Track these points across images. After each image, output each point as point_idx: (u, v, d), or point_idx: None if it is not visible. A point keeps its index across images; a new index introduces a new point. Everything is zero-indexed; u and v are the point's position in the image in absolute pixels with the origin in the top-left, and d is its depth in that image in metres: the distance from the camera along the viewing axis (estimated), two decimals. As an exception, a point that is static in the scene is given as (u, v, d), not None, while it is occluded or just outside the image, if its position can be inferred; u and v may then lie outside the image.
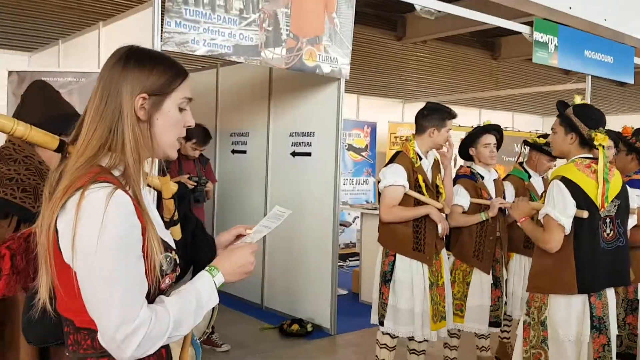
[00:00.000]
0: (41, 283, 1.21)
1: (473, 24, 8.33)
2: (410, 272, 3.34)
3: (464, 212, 3.67)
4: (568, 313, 2.58)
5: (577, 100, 2.75)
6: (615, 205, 2.62)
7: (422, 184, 3.36)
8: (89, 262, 1.11)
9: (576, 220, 2.53)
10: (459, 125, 8.63)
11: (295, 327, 4.87)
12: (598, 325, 2.56)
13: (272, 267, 5.58)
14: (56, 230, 1.15)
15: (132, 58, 1.25)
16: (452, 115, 3.44)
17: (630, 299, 3.02)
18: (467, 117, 9.14)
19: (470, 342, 4.23)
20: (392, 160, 3.45)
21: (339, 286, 6.36)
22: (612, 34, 7.18)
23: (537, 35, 6.18)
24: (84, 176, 1.15)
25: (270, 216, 1.52)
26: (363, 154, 8.02)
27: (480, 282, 3.67)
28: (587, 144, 2.60)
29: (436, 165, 3.55)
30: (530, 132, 8.71)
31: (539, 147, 3.95)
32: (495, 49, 12.33)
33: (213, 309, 3.24)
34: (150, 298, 1.19)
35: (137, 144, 1.22)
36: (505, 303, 3.85)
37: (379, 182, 3.42)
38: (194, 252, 1.54)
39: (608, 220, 2.60)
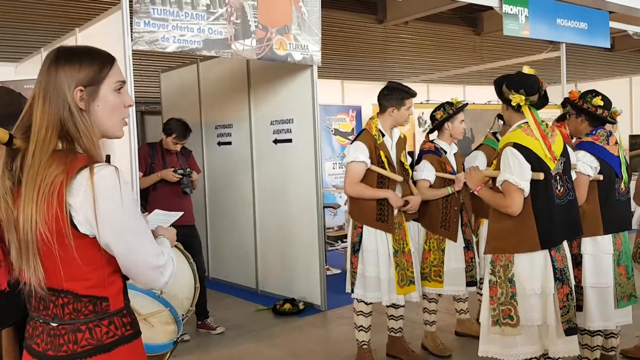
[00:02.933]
0: (30, 266, 1.32)
1: (449, 2, 8.47)
2: (375, 241, 3.55)
3: (430, 186, 3.86)
4: (532, 268, 2.73)
5: (526, 70, 2.90)
6: (561, 163, 2.79)
7: (385, 160, 3.55)
8: (119, 222, 1.32)
9: (531, 181, 2.69)
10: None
11: (287, 306, 5.08)
12: (560, 276, 2.72)
13: (265, 251, 5.78)
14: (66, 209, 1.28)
15: (61, 58, 1.38)
16: (412, 94, 3.62)
17: (574, 254, 3.18)
18: (452, 94, 9.26)
19: (450, 307, 4.44)
20: (357, 137, 3.64)
21: (333, 266, 6.62)
22: (591, 1, 7.30)
23: (507, 8, 6.32)
24: (74, 161, 1.31)
25: (154, 219, 1.71)
26: (350, 137, 8.18)
27: (453, 246, 3.86)
28: (518, 107, 2.78)
29: (400, 143, 3.73)
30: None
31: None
32: (478, 25, 12.43)
33: (195, 290, 3.37)
34: None
35: (88, 131, 1.37)
36: (479, 264, 4.04)
37: (344, 158, 3.62)
38: None
39: (558, 177, 2.76)
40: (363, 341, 3.73)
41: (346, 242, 7.47)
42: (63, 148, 1.35)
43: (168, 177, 4.47)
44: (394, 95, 3.60)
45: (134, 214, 1.37)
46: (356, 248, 3.60)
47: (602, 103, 3.23)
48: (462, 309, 4.26)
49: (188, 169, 4.60)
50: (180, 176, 4.50)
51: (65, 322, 1.36)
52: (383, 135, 3.60)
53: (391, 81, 3.79)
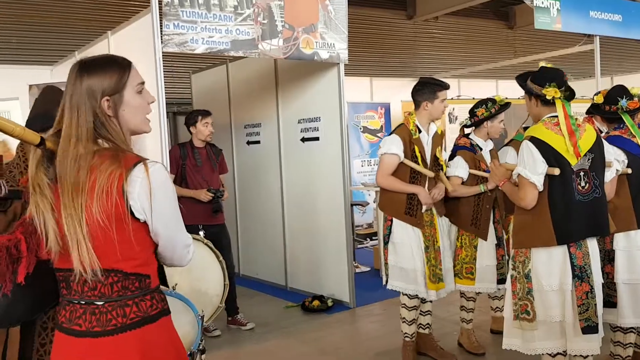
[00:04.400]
0: (83, 250, 1.44)
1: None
2: (406, 234, 3.58)
3: (462, 183, 3.83)
4: (549, 264, 2.71)
5: (544, 65, 2.88)
6: (588, 159, 2.73)
7: (418, 155, 3.57)
8: (168, 211, 1.53)
9: (548, 176, 2.66)
10: (473, 98, 8.68)
11: (316, 303, 5.12)
12: (580, 274, 2.68)
13: (294, 248, 5.84)
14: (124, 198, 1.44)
15: (84, 71, 1.50)
16: (444, 87, 3.62)
17: (607, 249, 3.12)
18: (484, 89, 9.16)
19: (485, 305, 4.41)
20: (394, 131, 3.69)
21: (362, 264, 6.64)
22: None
23: (538, 1, 6.21)
24: (127, 157, 1.47)
25: None
26: (379, 134, 8.17)
27: (485, 244, 3.84)
28: (548, 102, 2.73)
29: (437, 138, 3.74)
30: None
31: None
32: (510, 18, 12.23)
33: (224, 287, 3.44)
34: None
35: (119, 135, 1.52)
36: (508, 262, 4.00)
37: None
38: None
39: (582, 173, 2.70)
40: (406, 333, 3.74)
41: (375, 239, 7.56)
42: (109, 147, 1.50)
43: (200, 196, 4.50)
44: (427, 89, 3.61)
45: (176, 203, 1.57)
46: (386, 240, 3.65)
47: (602, 100, 3.20)
48: (497, 307, 4.22)
49: (220, 190, 4.60)
50: (212, 195, 4.52)
51: (113, 300, 1.50)
52: (420, 131, 3.62)
53: (423, 76, 3.79)
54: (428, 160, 3.65)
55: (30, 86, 4.53)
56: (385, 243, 3.66)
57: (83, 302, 1.51)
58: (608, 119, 3.25)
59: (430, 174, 3.60)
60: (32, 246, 1.53)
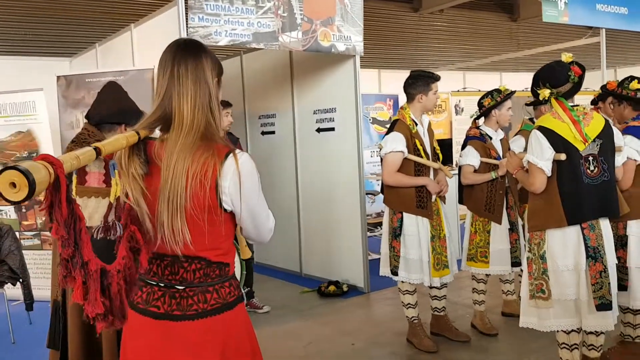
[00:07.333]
0: (176, 234, 1.46)
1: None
2: (417, 226, 3.74)
3: (475, 171, 4.01)
4: (564, 245, 2.88)
5: (564, 58, 3.03)
6: (597, 145, 2.88)
7: (420, 148, 3.72)
8: (255, 200, 1.55)
9: (556, 161, 2.85)
10: (479, 90, 8.83)
11: (332, 288, 5.29)
12: (593, 254, 2.84)
13: (308, 236, 6.00)
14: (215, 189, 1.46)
15: (205, 49, 1.57)
16: (436, 79, 3.77)
17: (620, 235, 3.28)
18: (488, 82, 9.30)
19: (496, 289, 4.57)
20: (392, 128, 3.80)
21: (373, 251, 6.79)
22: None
23: (545, -6, 6.33)
24: (217, 147, 1.48)
25: None
26: (387, 126, 8.32)
27: (498, 228, 4.02)
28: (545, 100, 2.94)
29: (430, 129, 3.90)
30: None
31: (539, 102, 4.23)
32: (514, 11, 12.35)
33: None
34: None
35: (220, 116, 1.57)
36: (524, 246, 4.17)
37: (380, 149, 3.78)
38: None
39: (591, 158, 2.87)
40: (413, 317, 3.92)
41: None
42: (206, 135, 1.49)
43: None
44: (420, 82, 3.75)
45: (260, 191, 1.60)
46: (397, 233, 3.77)
47: (639, 86, 3.33)
48: (508, 290, 4.40)
49: None
50: None
51: (194, 285, 1.53)
52: (416, 124, 3.76)
53: (413, 70, 3.94)
54: (429, 152, 3.80)
55: (58, 77, 4.66)
56: (397, 235, 3.78)
57: (162, 285, 1.53)
58: (636, 106, 3.38)
59: (436, 165, 3.76)
60: (144, 232, 1.51)
